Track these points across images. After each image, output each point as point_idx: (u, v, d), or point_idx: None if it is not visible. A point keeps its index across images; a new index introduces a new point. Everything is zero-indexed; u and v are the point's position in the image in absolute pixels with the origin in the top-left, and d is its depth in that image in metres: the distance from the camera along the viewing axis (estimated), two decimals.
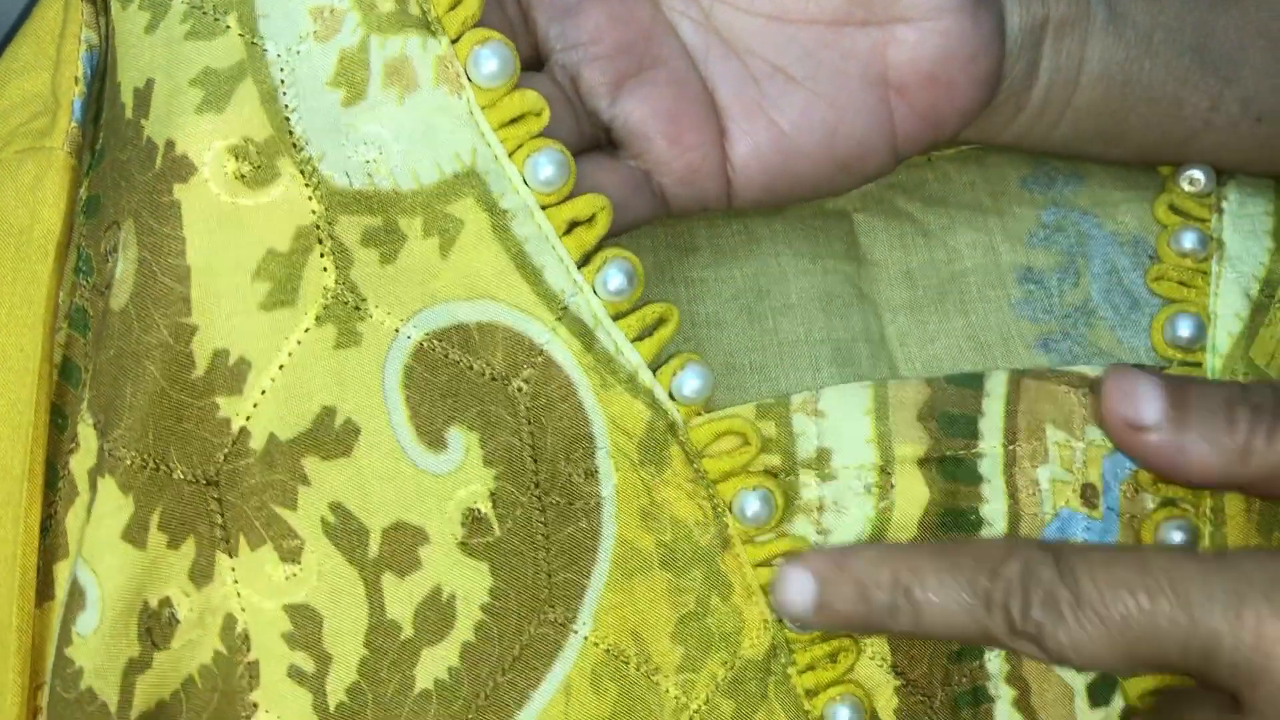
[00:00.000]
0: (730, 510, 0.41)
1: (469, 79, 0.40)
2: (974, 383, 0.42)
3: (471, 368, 0.40)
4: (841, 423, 0.42)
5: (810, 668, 0.41)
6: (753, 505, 0.41)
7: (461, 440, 0.40)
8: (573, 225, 0.41)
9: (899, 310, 0.45)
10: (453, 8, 0.41)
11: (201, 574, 0.40)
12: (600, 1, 0.42)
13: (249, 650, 0.40)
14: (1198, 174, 0.46)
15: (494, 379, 0.40)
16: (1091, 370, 0.43)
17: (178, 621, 0.40)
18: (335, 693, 0.40)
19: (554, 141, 0.40)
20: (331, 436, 0.39)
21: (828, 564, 0.38)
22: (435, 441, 0.40)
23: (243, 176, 0.39)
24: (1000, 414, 0.42)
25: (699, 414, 0.41)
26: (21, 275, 0.41)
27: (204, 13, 0.41)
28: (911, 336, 0.44)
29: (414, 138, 0.40)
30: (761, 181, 0.43)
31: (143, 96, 0.40)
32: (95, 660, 0.39)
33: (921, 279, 0.45)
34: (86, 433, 0.40)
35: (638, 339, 0.41)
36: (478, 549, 0.40)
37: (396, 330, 0.40)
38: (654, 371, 0.41)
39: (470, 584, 0.40)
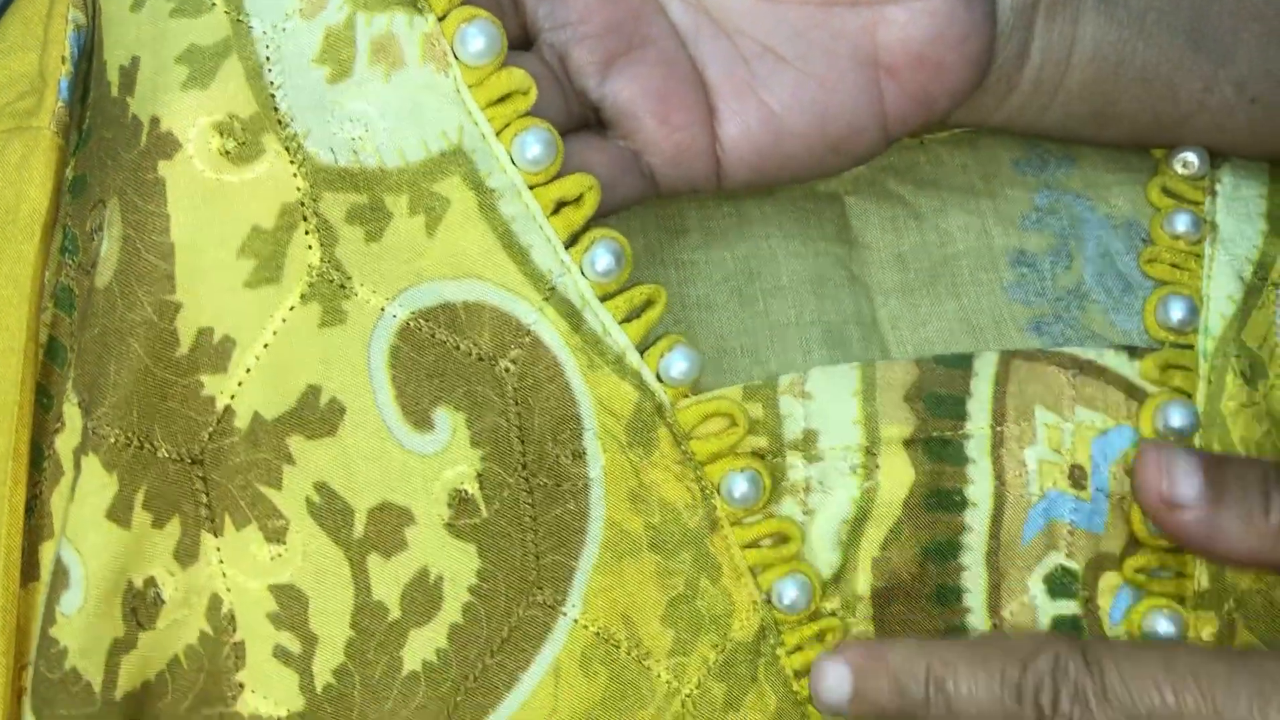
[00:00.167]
0: (718, 492, 0.41)
1: (456, 57, 0.40)
2: (963, 363, 0.42)
3: (458, 348, 0.40)
4: (828, 404, 0.42)
5: (799, 648, 0.41)
6: (740, 487, 0.41)
7: (448, 421, 0.40)
8: (560, 205, 0.41)
9: (891, 293, 0.45)
10: None
11: (186, 554, 0.40)
12: None
13: (234, 630, 0.40)
14: (1191, 157, 0.46)
15: (481, 359, 0.40)
16: (1083, 352, 0.42)
17: (163, 601, 0.40)
18: (322, 674, 0.40)
19: (541, 120, 0.40)
20: (316, 416, 0.39)
21: (863, 657, 0.40)
22: (421, 422, 0.40)
23: (227, 153, 0.39)
24: (988, 395, 0.42)
25: (686, 396, 0.41)
26: (7, 255, 0.41)
27: None
28: (903, 319, 0.44)
29: (400, 115, 0.40)
30: (752, 162, 0.42)
31: (128, 74, 0.40)
32: (79, 640, 0.39)
33: (913, 262, 0.45)
34: (71, 412, 0.40)
35: (626, 320, 0.41)
36: (465, 530, 0.40)
37: (382, 309, 0.40)
38: (642, 353, 0.41)
39: (457, 565, 0.40)
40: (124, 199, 0.39)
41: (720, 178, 0.43)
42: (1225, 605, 0.42)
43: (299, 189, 0.39)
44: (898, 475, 0.41)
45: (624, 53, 0.42)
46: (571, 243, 0.41)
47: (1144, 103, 0.44)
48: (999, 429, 0.42)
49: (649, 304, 0.41)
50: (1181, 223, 0.45)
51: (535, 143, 0.40)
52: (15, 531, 0.40)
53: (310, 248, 0.39)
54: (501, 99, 0.40)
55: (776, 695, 0.41)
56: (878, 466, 0.41)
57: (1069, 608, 0.42)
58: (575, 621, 0.40)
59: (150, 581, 0.40)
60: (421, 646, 0.40)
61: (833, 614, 0.42)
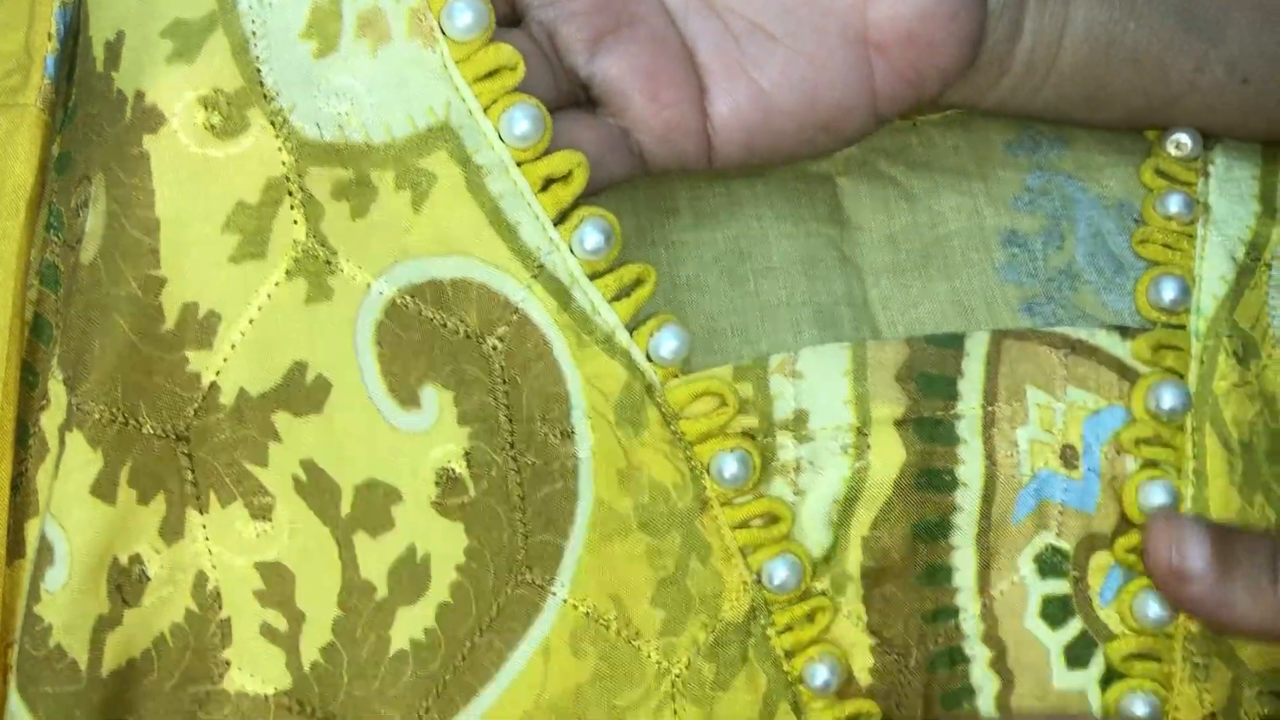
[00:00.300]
0: (708, 472, 0.41)
1: (443, 32, 0.40)
2: (954, 343, 0.42)
3: (445, 325, 0.40)
4: (819, 384, 0.41)
5: (788, 628, 0.41)
6: (730, 467, 0.41)
7: (435, 398, 0.40)
8: (549, 182, 0.40)
9: (882, 274, 0.45)
10: None
11: (172, 530, 0.40)
12: None
13: (220, 608, 0.40)
14: (1184, 138, 0.45)
15: (468, 337, 0.40)
16: (1074, 332, 0.42)
17: (148, 579, 0.40)
18: (309, 652, 0.40)
19: (530, 97, 0.40)
20: (302, 392, 0.39)
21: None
22: (408, 399, 0.40)
23: (213, 127, 0.39)
24: (980, 375, 0.42)
25: (676, 375, 0.41)
26: None
27: None
28: (895, 300, 0.44)
29: (387, 90, 0.39)
30: (742, 140, 0.42)
31: (113, 49, 0.40)
32: (64, 616, 0.39)
33: (905, 243, 0.45)
34: (56, 389, 0.40)
35: (615, 299, 0.41)
36: (452, 509, 0.40)
37: (368, 285, 0.39)
38: (631, 332, 0.41)
39: (445, 544, 0.40)
40: (109, 174, 0.39)
41: (710, 156, 0.43)
42: None
43: (284, 164, 0.39)
44: (889, 455, 0.41)
45: (613, 30, 0.42)
46: (560, 220, 0.40)
47: (1135, 83, 0.44)
48: (990, 409, 0.42)
49: (638, 283, 0.41)
50: (1174, 203, 0.44)
51: (523, 119, 0.40)
52: (0, 509, 0.40)
53: (296, 223, 0.39)
54: (489, 75, 0.40)
55: (767, 675, 0.41)
56: (869, 446, 0.41)
57: (1059, 587, 0.42)
58: (564, 601, 0.40)
59: (135, 558, 0.39)
60: (409, 625, 0.40)
61: (823, 594, 0.41)
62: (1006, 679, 0.42)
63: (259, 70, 0.39)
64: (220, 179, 0.38)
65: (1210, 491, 0.42)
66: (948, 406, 0.41)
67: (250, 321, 0.39)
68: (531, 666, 0.40)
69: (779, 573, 0.41)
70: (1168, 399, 0.42)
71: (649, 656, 0.40)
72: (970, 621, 0.42)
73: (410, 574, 0.40)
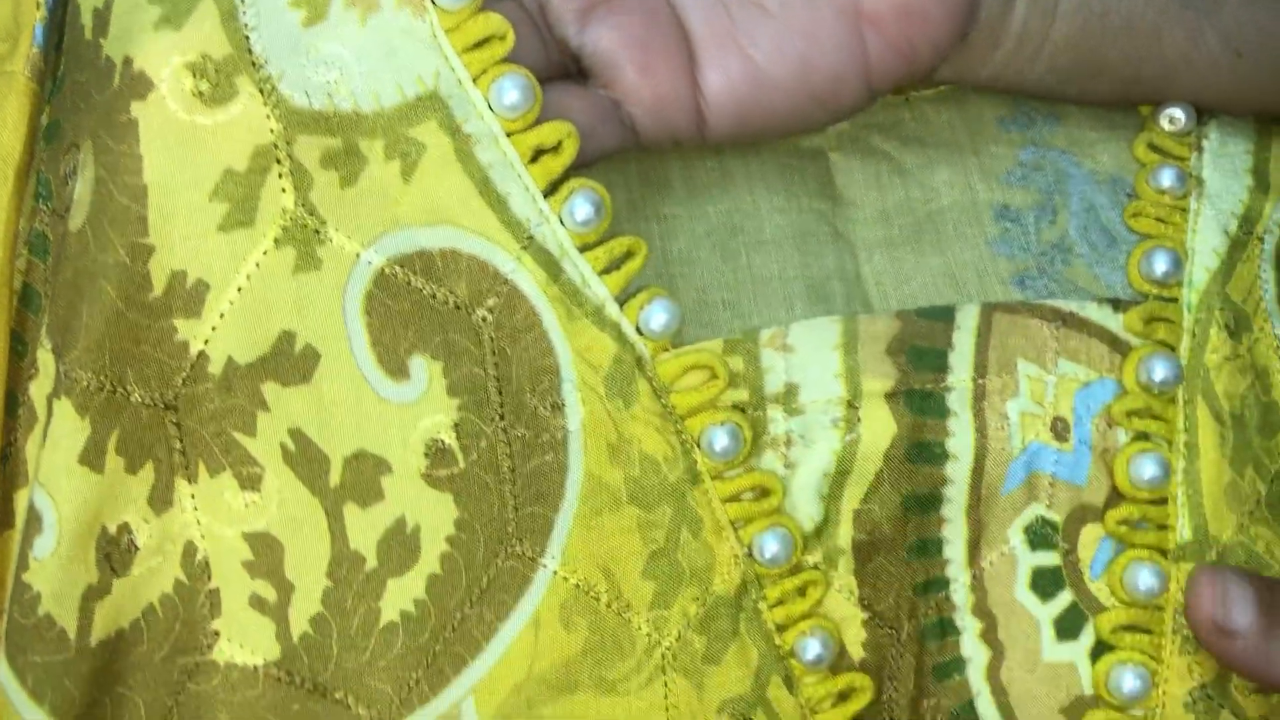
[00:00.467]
0: (698, 445, 0.41)
1: (433, 1, 0.40)
2: (945, 316, 0.42)
3: (434, 296, 0.40)
4: (810, 357, 0.41)
5: (780, 602, 0.41)
6: (721, 440, 0.41)
7: (424, 369, 0.40)
8: (539, 153, 0.40)
9: (875, 249, 0.44)
10: None
11: (161, 500, 0.40)
12: None
13: (209, 578, 0.40)
14: (1178, 113, 0.45)
15: (457, 307, 0.40)
16: (1066, 304, 0.42)
17: (136, 548, 0.40)
18: (298, 622, 0.40)
19: (519, 67, 0.40)
20: (291, 362, 0.39)
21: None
22: (397, 370, 0.40)
23: (201, 94, 0.39)
24: (970, 347, 0.42)
25: (667, 349, 0.41)
26: None
27: None
28: (887, 275, 0.44)
29: (376, 59, 0.39)
30: (734, 113, 0.42)
31: (101, 16, 0.40)
32: (52, 585, 0.39)
33: (898, 218, 0.45)
34: (45, 358, 0.40)
35: (605, 271, 0.41)
36: (442, 480, 0.40)
37: (357, 255, 0.39)
38: (621, 305, 0.41)
39: (435, 516, 0.40)
40: (97, 141, 0.39)
41: (702, 129, 0.42)
42: (1207, 557, 0.42)
43: (272, 131, 0.39)
44: (879, 428, 0.41)
45: (604, 1, 0.41)
46: (550, 192, 0.40)
47: (1129, 56, 0.44)
48: (981, 381, 0.42)
49: (629, 256, 0.41)
50: (1167, 177, 0.44)
51: (513, 88, 0.40)
52: None
53: (284, 191, 0.39)
54: (478, 44, 0.40)
55: (758, 649, 0.41)
56: (859, 420, 0.41)
57: (1049, 559, 0.42)
58: (555, 573, 0.40)
59: (124, 528, 0.39)
60: (399, 597, 0.40)
61: (815, 567, 0.41)
62: (997, 650, 0.42)
63: (247, 38, 0.39)
64: (208, 146, 0.38)
65: (1201, 464, 0.42)
66: (938, 379, 0.41)
67: (239, 290, 0.39)
68: (522, 638, 0.40)
69: (770, 546, 0.41)
70: (1159, 371, 0.42)
71: (639, 629, 0.40)
72: (961, 593, 0.42)
73: (400, 545, 0.40)
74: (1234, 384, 0.43)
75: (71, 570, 0.39)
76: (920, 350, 0.41)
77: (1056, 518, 0.42)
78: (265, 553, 0.39)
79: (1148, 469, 0.41)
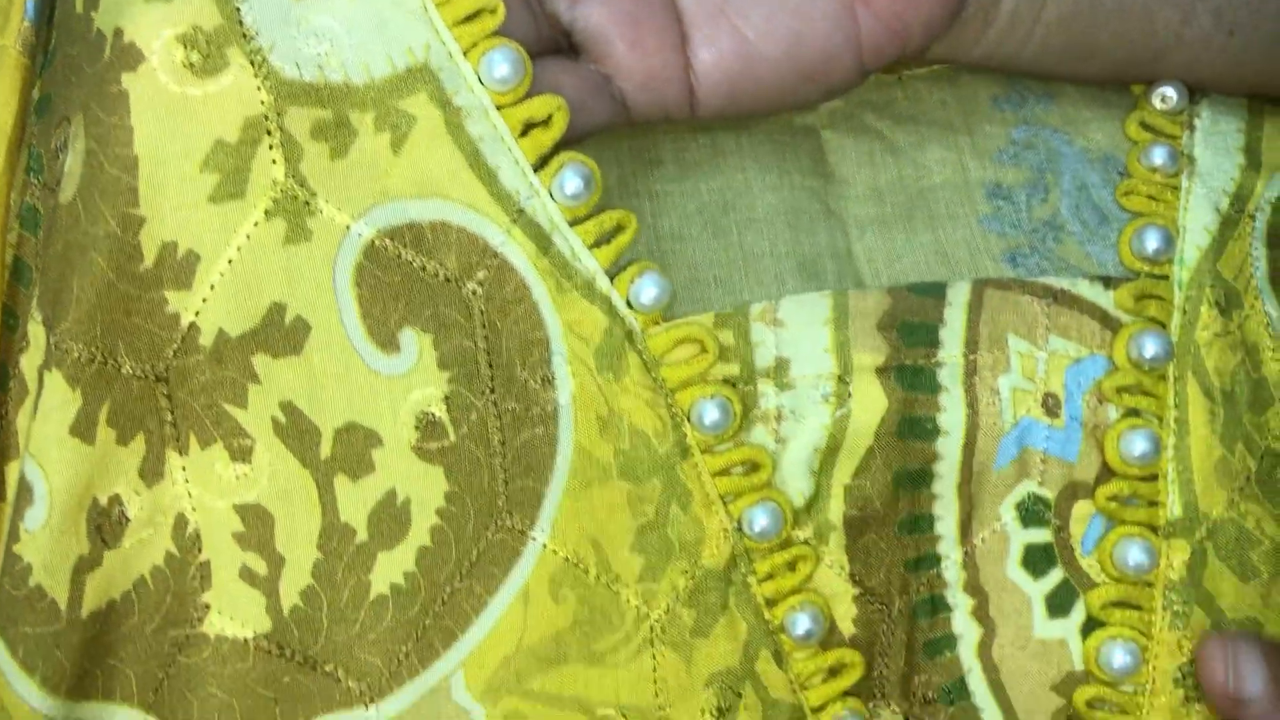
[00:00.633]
0: (689, 419, 0.41)
1: None
2: (936, 292, 0.42)
3: (424, 268, 0.40)
4: (800, 332, 0.41)
5: (770, 576, 0.41)
6: (711, 414, 0.41)
7: (414, 342, 0.40)
8: (529, 127, 0.40)
9: (866, 226, 0.44)
10: None
11: (151, 472, 0.40)
12: None
13: (200, 551, 0.40)
14: (1170, 91, 0.45)
15: (447, 280, 0.40)
16: (1057, 281, 0.42)
17: (127, 520, 0.40)
18: (289, 595, 0.40)
19: (509, 40, 0.40)
20: (281, 334, 0.39)
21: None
22: (387, 342, 0.40)
23: (191, 65, 0.39)
24: (961, 323, 0.42)
25: (657, 323, 0.41)
26: None
27: None
28: (879, 252, 0.44)
29: (366, 31, 0.39)
30: (725, 89, 0.42)
31: None
32: (43, 556, 0.39)
33: (890, 195, 0.45)
34: (36, 330, 0.40)
35: (595, 245, 0.41)
36: (432, 453, 0.40)
37: (347, 227, 0.39)
38: (611, 279, 0.41)
39: (425, 489, 0.40)
40: (88, 113, 0.39)
41: (693, 105, 0.42)
42: (1197, 534, 0.42)
43: (263, 103, 0.39)
44: (870, 403, 0.41)
45: None
46: (540, 165, 0.40)
47: (1122, 34, 0.44)
48: (972, 357, 0.42)
49: (619, 229, 0.41)
50: (1159, 155, 0.44)
51: (503, 61, 0.40)
52: None
53: (275, 162, 0.39)
54: (469, 17, 0.40)
55: (747, 623, 0.41)
56: (850, 395, 0.41)
57: (1040, 536, 0.42)
58: (544, 546, 0.40)
59: (115, 499, 0.40)
60: (389, 569, 0.40)
61: (805, 542, 0.41)
62: (988, 627, 0.42)
63: (238, 9, 0.39)
64: (199, 118, 0.38)
65: (1192, 440, 0.42)
66: (929, 354, 0.41)
67: (229, 262, 0.39)
68: (511, 611, 0.40)
69: (759, 520, 0.41)
70: (1150, 348, 0.42)
71: (628, 602, 0.40)
72: (952, 570, 0.42)
73: (390, 518, 0.40)
74: (1224, 361, 0.43)
75: (62, 542, 0.39)
76: (911, 325, 0.42)
77: (1048, 494, 0.42)
78: (256, 525, 0.39)
79: (1138, 445, 0.41)
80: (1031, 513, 0.42)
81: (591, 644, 0.40)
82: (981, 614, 0.42)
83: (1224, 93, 0.46)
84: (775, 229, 0.44)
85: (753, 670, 0.41)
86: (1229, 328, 0.43)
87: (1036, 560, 0.42)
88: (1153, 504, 0.42)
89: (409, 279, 0.40)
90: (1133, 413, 0.42)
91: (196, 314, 0.39)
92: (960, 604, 0.42)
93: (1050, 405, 0.42)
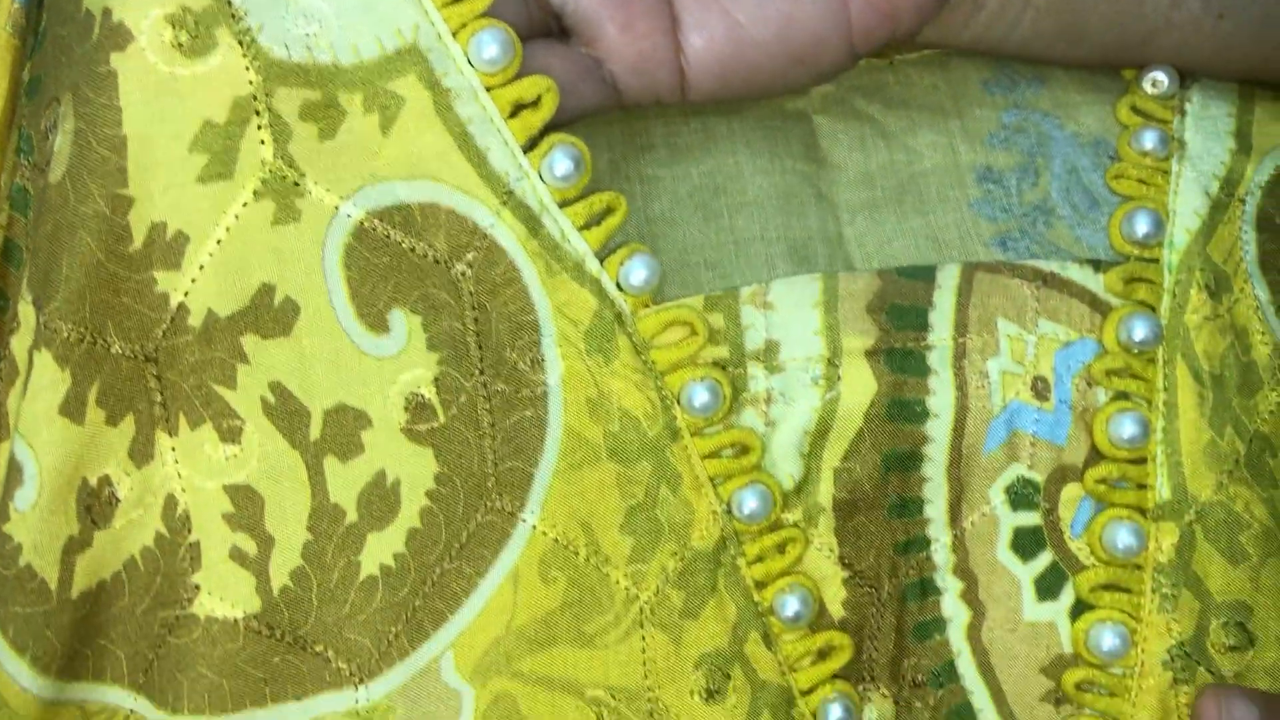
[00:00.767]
0: (678, 401, 0.41)
1: None
2: (925, 275, 0.42)
3: (414, 249, 0.40)
4: (790, 315, 0.41)
5: (759, 559, 0.41)
6: (701, 396, 0.41)
7: (404, 323, 0.40)
8: (519, 108, 0.40)
9: (857, 211, 0.44)
10: None
11: (141, 453, 0.40)
12: None
13: (190, 531, 0.40)
14: (1161, 76, 0.45)
15: (437, 261, 0.40)
16: (1046, 265, 0.42)
17: (118, 500, 0.40)
18: (279, 576, 0.40)
19: (498, 21, 0.40)
20: (270, 314, 0.39)
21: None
22: (377, 324, 0.40)
23: (180, 45, 0.39)
24: (951, 306, 0.42)
25: (647, 305, 0.41)
26: None
27: None
28: (869, 236, 0.44)
29: (355, 12, 0.39)
30: (715, 73, 0.42)
31: None
32: (33, 536, 0.39)
33: (881, 180, 0.45)
34: (26, 310, 0.40)
35: (584, 227, 0.41)
36: (422, 435, 0.40)
37: (336, 208, 0.39)
38: (601, 261, 0.41)
39: (415, 470, 0.40)
40: (77, 93, 0.39)
41: (684, 88, 0.42)
42: (1186, 516, 0.42)
43: (251, 83, 0.39)
44: (859, 386, 0.41)
45: None
46: (530, 147, 0.40)
47: (1111, 18, 0.44)
48: (961, 340, 0.42)
49: (609, 211, 0.41)
50: (1149, 140, 0.44)
51: (492, 42, 0.40)
52: None
53: (263, 143, 0.39)
54: None
55: (737, 605, 0.41)
56: (839, 377, 0.41)
57: (1030, 519, 0.42)
58: (534, 528, 0.40)
59: (105, 480, 0.40)
60: (379, 550, 0.40)
61: (794, 525, 0.41)
62: (977, 610, 0.42)
63: None
64: (188, 98, 0.38)
65: (1181, 424, 0.42)
66: (918, 337, 0.41)
67: (218, 242, 0.39)
68: (501, 593, 0.40)
69: (748, 502, 0.41)
70: (1139, 331, 0.42)
71: (618, 583, 0.41)
72: (941, 553, 0.42)
73: (380, 499, 0.40)
74: (1214, 344, 0.43)
75: (52, 522, 0.39)
76: (901, 308, 0.42)
77: (1038, 477, 0.42)
78: (246, 505, 0.39)
79: (1127, 428, 0.41)
80: (1021, 496, 0.42)
81: (581, 625, 0.40)
82: (971, 597, 0.42)
83: (1214, 77, 0.46)
84: (766, 213, 0.44)
85: (742, 652, 0.41)
86: (1218, 311, 0.43)
87: (1026, 543, 0.42)
88: (1142, 487, 0.42)
89: (398, 260, 0.40)
90: (1122, 396, 0.42)
91: (185, 294, 0.39)
92: (950, 587, 0.42)
93: (1039, 388, 0.42)
